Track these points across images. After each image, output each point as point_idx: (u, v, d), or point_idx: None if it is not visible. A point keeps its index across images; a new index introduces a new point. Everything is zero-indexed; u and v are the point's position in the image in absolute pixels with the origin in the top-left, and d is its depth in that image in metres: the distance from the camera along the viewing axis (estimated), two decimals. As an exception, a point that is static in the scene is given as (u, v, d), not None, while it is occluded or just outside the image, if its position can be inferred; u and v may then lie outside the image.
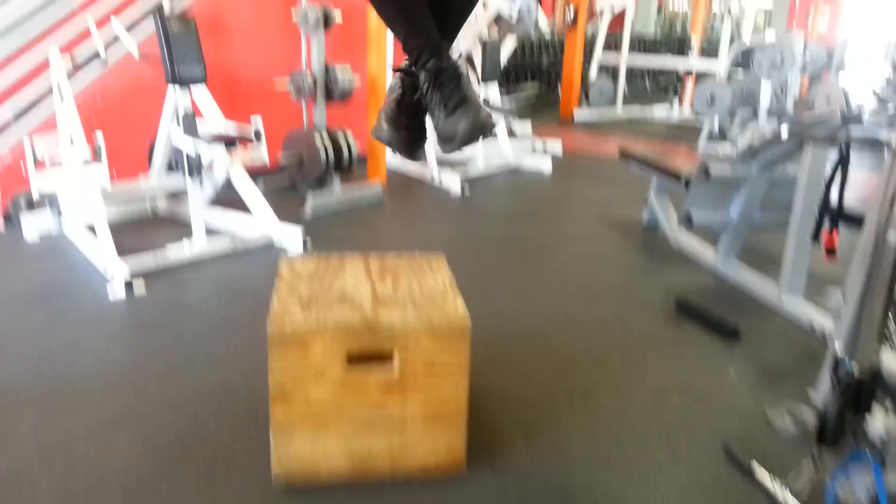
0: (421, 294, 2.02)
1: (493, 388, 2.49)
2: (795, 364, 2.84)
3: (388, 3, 1.53)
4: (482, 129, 1.55)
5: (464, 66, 6.01)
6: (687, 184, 3.79)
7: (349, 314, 1.87)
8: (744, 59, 7.75)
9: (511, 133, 7.10)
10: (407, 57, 1.57)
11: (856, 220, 2.84)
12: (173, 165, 4.14)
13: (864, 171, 6.10)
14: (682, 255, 4.09)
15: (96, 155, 3.39)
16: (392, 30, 1.58)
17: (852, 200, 2.78)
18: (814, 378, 2.61)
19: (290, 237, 3.94)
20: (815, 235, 2.42)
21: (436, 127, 1.58)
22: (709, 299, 3.37)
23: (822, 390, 2.41)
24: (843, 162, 2.30)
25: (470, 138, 1.55)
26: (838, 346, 2.10)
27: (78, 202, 3.67)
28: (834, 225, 2.27)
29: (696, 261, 3.98)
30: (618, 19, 9.71)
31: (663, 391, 2.55)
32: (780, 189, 3.59)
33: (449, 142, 1.56)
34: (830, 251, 2.33)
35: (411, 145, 1.65)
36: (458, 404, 1.93)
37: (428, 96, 1.57)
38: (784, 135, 2.56)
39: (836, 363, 2.08)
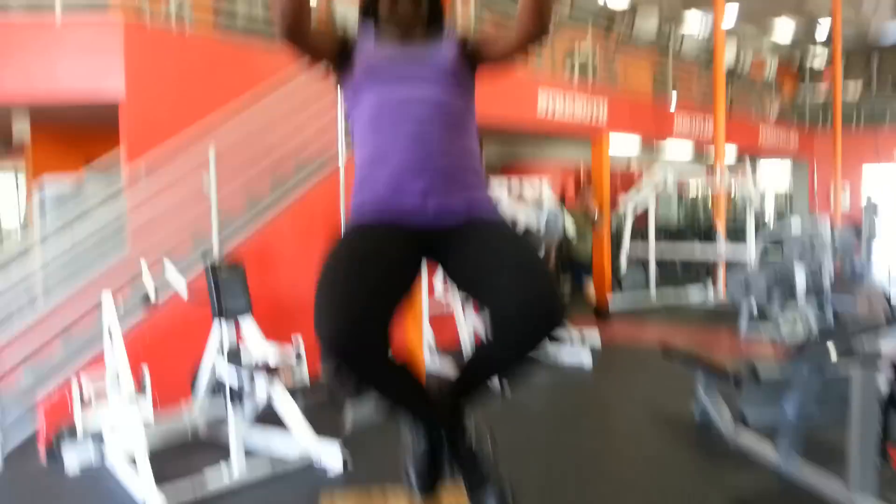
0: (470, 536, 1.91)
1: None
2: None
3: (383, 395, 1.69)
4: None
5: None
6: (736, 382, 3.69)
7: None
8: (772, 244, 7.87)
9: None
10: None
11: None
12: (215, 391, 4.18)
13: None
14: (740, 452, 3.88)
15: (141, 388, 3.46)
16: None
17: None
18: None
19: (330, 457, 3.85)
20: (882, 453, 2.28)
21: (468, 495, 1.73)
22: (777, 505, 3.15)
23: None
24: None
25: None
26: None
27: (122, 435, 3.69)
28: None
29: (755, 459, 3.76)
30: (642, 216, 10.07)
31: None
32: (835, 385, 3.47)
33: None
34: (902, 465, 2.20)
35: (433, 490, 1.81)
36: None
37: (450, 460, 1.74)
38: (833, 358, 2.52)
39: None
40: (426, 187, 1.65)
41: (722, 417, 4.18)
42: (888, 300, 2.59)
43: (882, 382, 2.68)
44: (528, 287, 1.49)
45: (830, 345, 2.50)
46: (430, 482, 1.77)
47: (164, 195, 4.79)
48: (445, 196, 1.67)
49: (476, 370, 1.72)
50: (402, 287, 1.62)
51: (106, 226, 4.90)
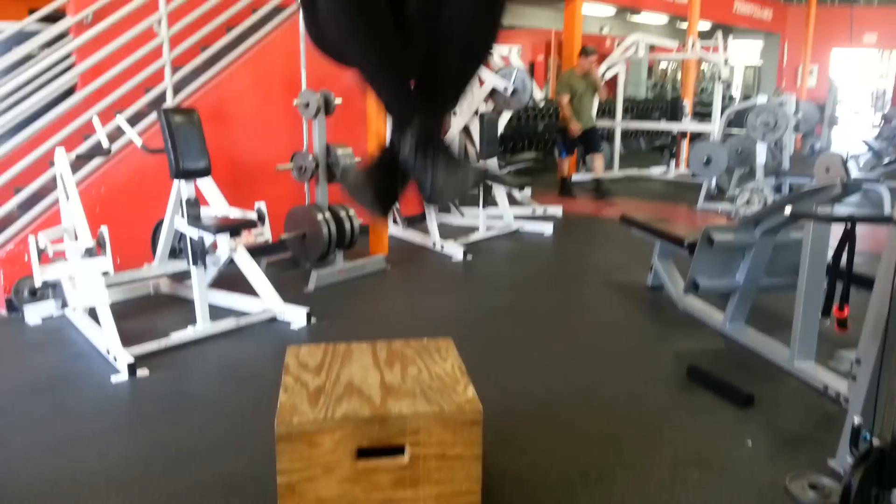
0: (430, 382, 2.00)
1: (507, 470, 2.43)
2: (813, 429, 2.79)
3: (366, 70, 1.58)
4: (474, 177, 1.57)
5: (461, 139, 6.13)
6: (690, 249, 3.79)
7: (358, 406, 1.84)
8: (737, 119, 7.89)
9: (511, 198, 7.16)
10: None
11: (865, 282, 2.83)
12: (177, 252, 4.16)
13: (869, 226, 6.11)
14: (690, 318, 4.06)
15: (100, 247, 3.41)
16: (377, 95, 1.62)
17: (859, 257, 2.77)
18: (832, 445, 2.56)
19: (294, 314, 3.92)
20: (826, 311, 2.39)
21: (424, 185, 1.59)
22: (720, 364, 3.34)
23: (844, 463, 2.36)
24: (850, 238, 2.29)
25: (461, 186, 1.60)
26: (856, 418, 2.05)
27: (81, 290, 3.67)
28: (844, 301, 2.25)
29: (704, 324, 3.94)
30: (609, 84, 9.92)
31: (681, 465, 2.49)
32: (785, 252, 3.59)
33: (441, 194, 1.61)
34: (842, 324, 2.31)
35: (381, 203, 1.68)
36: (471, 497, 1.88)
37: (413, 158, 1.57)
38: (787, 212, 2.57)
39: (855, 435, 2.04)
40: None
41: (674, 285, 4.34)
42: (845, 166, 2.63)
43: (831, 245, 2.76)
44: None
45: (787, 206, 2.55)
46: (387, 197, 1.67)
47: (114, 42, 4.52)
48: None
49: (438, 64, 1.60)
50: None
51: (53, 71, 4.67)
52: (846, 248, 2.31)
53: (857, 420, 2.01)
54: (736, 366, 3.37)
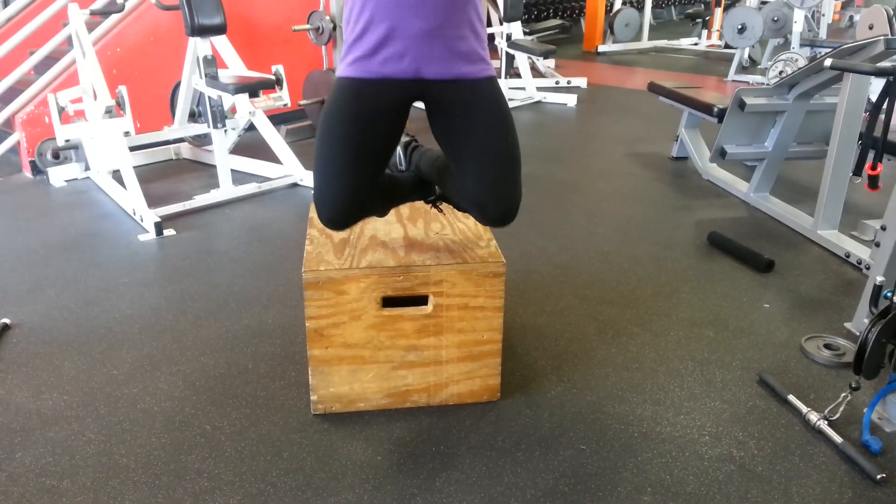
0: (454, 237, 2.01)
1: (527, 325, 2.49)
2: (830, 295, 2.80)
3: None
4: None
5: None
6: (720, 117, 3.69)
7: (382, 258, 1.87)
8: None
9: (535, 69, 6.95)
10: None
11: (896, 149, 2.76)
12: (196, 115, 4.11)
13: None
14: (713, 188, 4.02)
15: (120, 107, 3.37)
16: None
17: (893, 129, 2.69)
18: (849, 309, 2.58)
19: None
20: (858, 170, 2.33)
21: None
22: (742, 232, 3.33)
23: (861, 321, 2.39)
24: (891, 92, 2.19)
25: None
26: (879, 277, 2.06)
27: (103, 151, 3.68)
28: (879, 160, 2.19)
29: (727, 194, 3.91)
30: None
31: (697, 325, 2.54)
32: (817, 118, 3.49)
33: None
34: (873, 182, 2.26)
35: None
36: (492, 345, 1.94)
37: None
38: (827, 64, 2.45)
39: (876, 294, 2.05)
40: (420, 53, 1.60)
41: (699, 154, 4.26)
42: (891, 22, 2.49)
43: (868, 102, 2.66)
44: (499, 199, 1.68)
45: (828, 60, 2.44)
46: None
47: None
48: (441, 62, 1.63)
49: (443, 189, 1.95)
50: (391, 146, 1.74)
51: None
52: (885, 103, 2.22)
53: (879, 279, 2.02)
54: (758, 234, 3.37)
